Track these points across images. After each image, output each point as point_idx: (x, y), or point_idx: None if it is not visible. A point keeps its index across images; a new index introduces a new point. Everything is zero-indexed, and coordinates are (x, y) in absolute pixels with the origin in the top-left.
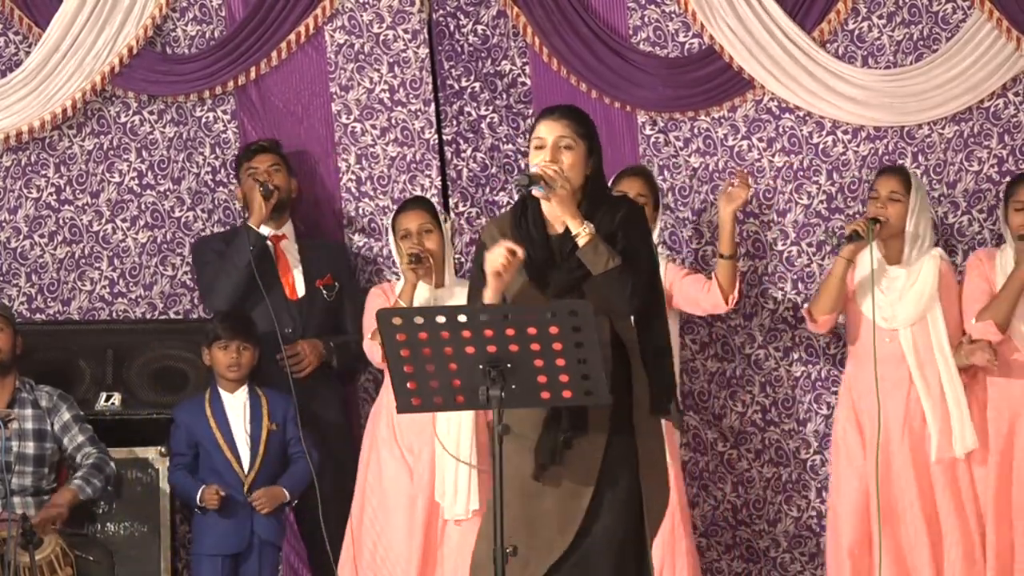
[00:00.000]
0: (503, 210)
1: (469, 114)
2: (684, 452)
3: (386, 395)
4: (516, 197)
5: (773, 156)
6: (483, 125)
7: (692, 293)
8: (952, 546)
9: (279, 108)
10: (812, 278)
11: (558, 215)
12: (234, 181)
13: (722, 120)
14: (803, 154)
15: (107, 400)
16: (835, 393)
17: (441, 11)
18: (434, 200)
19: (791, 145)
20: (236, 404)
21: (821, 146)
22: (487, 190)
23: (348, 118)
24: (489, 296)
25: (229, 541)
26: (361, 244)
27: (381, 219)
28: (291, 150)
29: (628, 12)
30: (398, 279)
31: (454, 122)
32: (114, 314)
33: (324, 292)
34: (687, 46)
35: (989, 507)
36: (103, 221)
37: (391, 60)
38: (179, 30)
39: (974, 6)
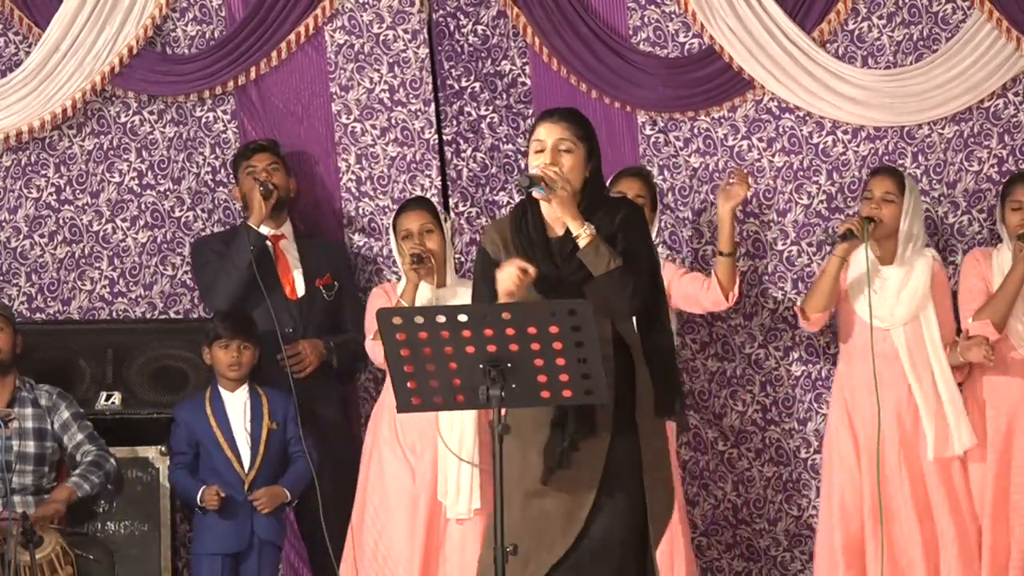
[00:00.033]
0: (503, 210)
1: (469, 114)
2: (684, 451)
3: (388, 395)
4: (516, 197)
5: (773, 156)
6: (483, 125)
7: (691, 291)
8: (948, 545)
9: (279, 108)
10: (812, 278)
11: (558, 217)
12: (233, 181)
13: (722, 120)
14: (803, 154)
15: (107, 400)
16: None
17: (441, 11)
18: (434, 200)
19: (791, 145)
20: (236, 403)
21: (821, 146)
22: (487, 190)
23: (348, 118)
24: None
25: (229, 540)
26: (361, 244)
27: (381, 219)
28: (291, 150)
29: (628, 12)
30: (399, 279)
31: (454, 122)
32: (114, 314)
33: (324, 292)
34: (687, 46)
35: (987, 506)
36: (103, 221)
37: (391, 60)
38: (179, 30)
39: (974, 6)
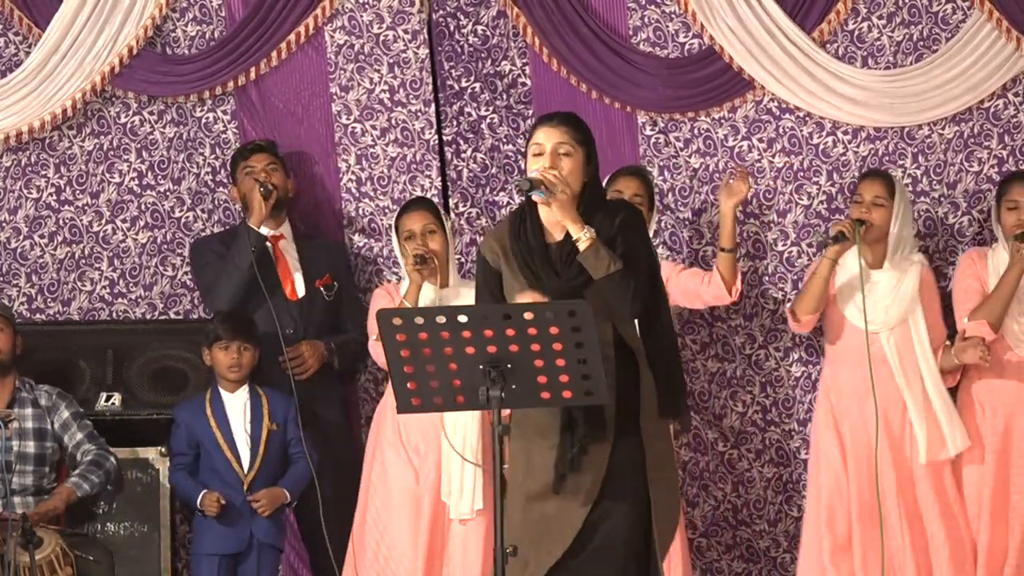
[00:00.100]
0: (503, 211)
1: (469, 115)
2: (684, 452)
3: (390, 396)
4: (516, 197)
5: (773, 157)
6: (483, 126)
7: (691, 286)
8: (939, 548)
9: (279, 108)
10: None
11: (557, 221)
12: (232, 182)
13: (722, 121)
14: (803, 155)
15: (107, 400)
16: None
17: (441, 11)
18: (434, 200)
19: (791, 146)
20: (236, 404)
21: (821, 147)
22: (487, 190)
23: (348, 118)
24: None
25: (229, 541)
26: (361, 244)
27: (381, 219)
28: (291, 150)
29: (628, 12)
30: (399, 279)
31: (454, 123)
32: (114, 314)
33: (324, 292)
34: (687, 46)
35: (985, 507)
36: (103, 221)
37: (391, 60)
38: (179, 30)
39: (974, 6)
